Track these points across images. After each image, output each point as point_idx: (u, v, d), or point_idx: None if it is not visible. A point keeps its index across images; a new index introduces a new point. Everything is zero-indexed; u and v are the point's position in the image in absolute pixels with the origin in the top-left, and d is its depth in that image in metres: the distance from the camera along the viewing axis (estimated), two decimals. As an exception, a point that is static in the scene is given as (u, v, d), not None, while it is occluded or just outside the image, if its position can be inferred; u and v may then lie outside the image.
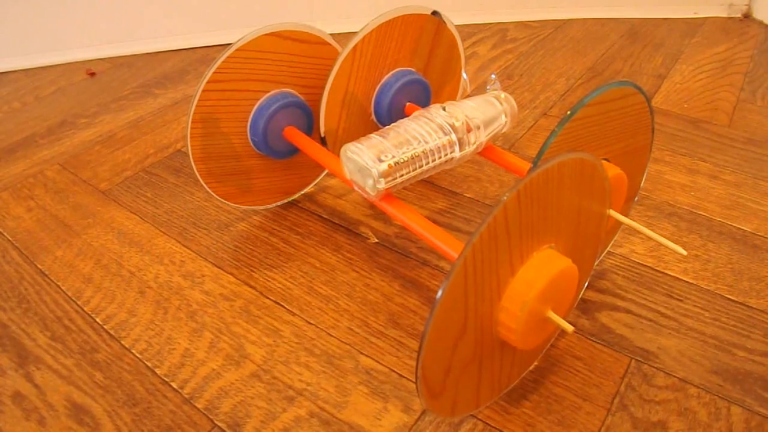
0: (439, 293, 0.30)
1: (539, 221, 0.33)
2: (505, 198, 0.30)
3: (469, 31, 1.01)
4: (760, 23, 1.02)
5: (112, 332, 0.47)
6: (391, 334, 0.47)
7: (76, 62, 0.97)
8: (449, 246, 0.39)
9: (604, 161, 0.41)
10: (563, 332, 0.45)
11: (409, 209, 0.42)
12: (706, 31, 1.00)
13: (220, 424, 0.40)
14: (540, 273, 0.33)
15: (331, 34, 0.53)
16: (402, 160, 0.40)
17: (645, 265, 0.52)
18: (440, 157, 0.42)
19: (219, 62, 0.47)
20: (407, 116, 0.47)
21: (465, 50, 0.77)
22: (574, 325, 0.34)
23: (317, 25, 0.51)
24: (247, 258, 0.54)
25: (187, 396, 0.42)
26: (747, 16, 1.05)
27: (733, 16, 1.05)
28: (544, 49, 0.94)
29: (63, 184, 0.66)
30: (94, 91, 0.87)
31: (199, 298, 0.50)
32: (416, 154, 0.41)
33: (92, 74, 0.92)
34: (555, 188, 0.33)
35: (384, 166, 0.40)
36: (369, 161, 0.40)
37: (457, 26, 0.56)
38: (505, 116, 0.47)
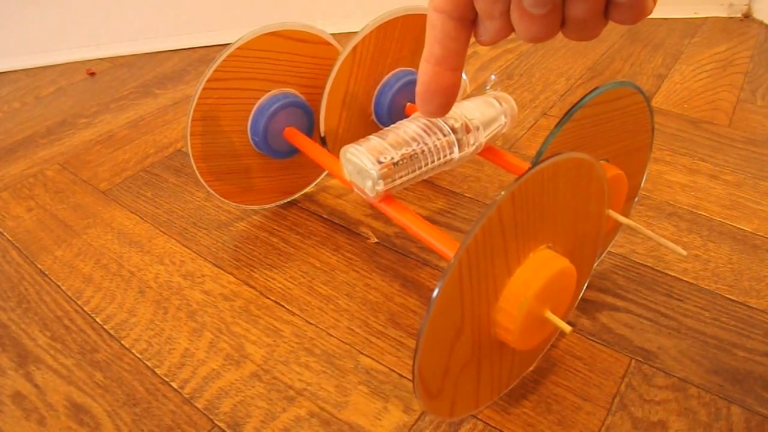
0: (435, 293, 0.30)
1: (535, 222, 0.33)
2: (498, 198, 0.30)
3: (470, 31, 1.01)
4: (760, 23, 1.02)
5: (112, 332, 0.47)
6: (391, 334, 0.47)
7: (76, 62, 0.97)
8: (447, 247, 0.39)
9: (603, 162, 0.41)
10: (563, 333, 0.45)
11: (407, 211, 0.42)
12: (706, 31, 1.00)
13: (220, 424, 0.41)
14: (537, 273, 0.33)
15: (331, 34, 0.53)
16: (401, 162, 0.40)
17: (645, 265, 0.52)
18: (439, 159, 0.42)
19: (220, 60, 0.47)
20: (407, 116, 0.47)
21: (465, 50, 0.77)
22: (573, 325, 0.34)
23: (318, 25, 0.51)
24: (247, 258, 0.54)
25: (187, 396, 0.42)
26: (747, 16, 1.05)
27: (733, 16, 1.05)
28: (544, 49, 0.94)
29: (63, 184, 0.66)
30: (94, 91, 0.87)
31: (199, 298, 0.50)
32: (415, 156, 0.41)
33: (92, 74, 0.93)
34: (551, 189, 0.33)
35: (383, 168, 0.40)
36: (368, 163, 0.40)
37: (457, 26, 0.56)
38: (505, 117, 0.47)
